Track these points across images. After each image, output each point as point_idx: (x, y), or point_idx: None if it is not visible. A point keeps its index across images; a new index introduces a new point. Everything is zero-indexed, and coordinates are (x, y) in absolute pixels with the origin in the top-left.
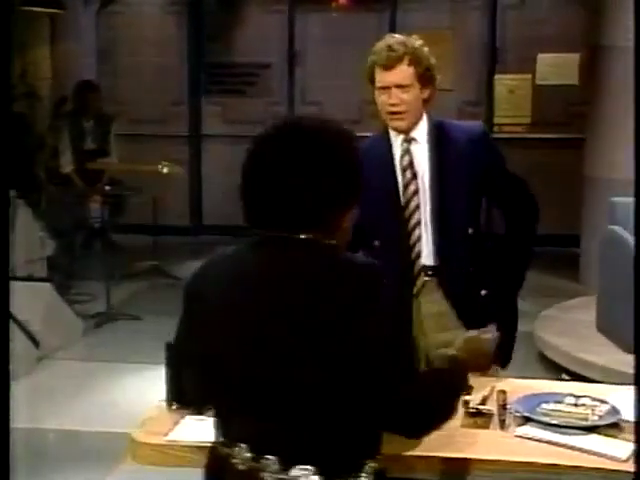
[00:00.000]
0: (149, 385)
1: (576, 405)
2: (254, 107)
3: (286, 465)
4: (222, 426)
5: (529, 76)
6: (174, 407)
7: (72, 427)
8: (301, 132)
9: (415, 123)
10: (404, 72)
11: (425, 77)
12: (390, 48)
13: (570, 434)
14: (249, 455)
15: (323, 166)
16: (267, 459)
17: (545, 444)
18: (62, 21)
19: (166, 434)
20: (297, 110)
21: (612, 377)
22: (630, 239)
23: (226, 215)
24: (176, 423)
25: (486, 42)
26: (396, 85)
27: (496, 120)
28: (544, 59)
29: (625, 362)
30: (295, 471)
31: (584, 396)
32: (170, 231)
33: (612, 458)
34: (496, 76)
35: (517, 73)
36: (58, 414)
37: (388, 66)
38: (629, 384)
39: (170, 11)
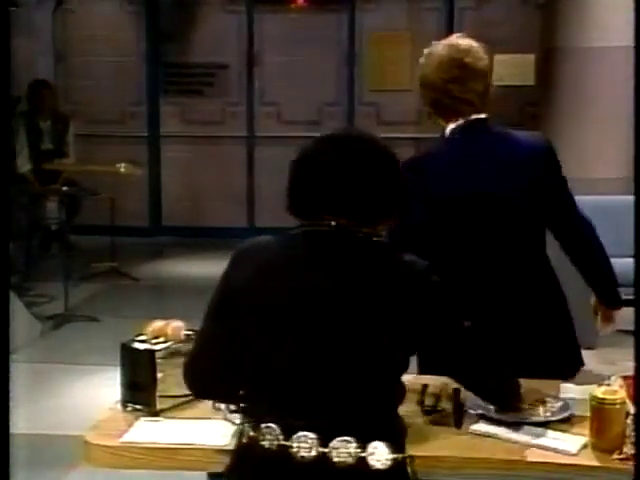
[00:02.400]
0: (106, 387)
1: (529, 402)
2: (212, 107)
3: (324, 439)
4: (251, 409)
5: None
6: (129, 408)
7: (27, 431)
8: (361, 136)
9: None
10: None
11: None
12: None
13: (523, 430)
14: (280, 435)
15: (385, 168)
16: (302, 436)
17: (499, 440)
18: (16, 19)
19: (120, 436)
20: (255, 111)
21: None
22: None
23: (185, 216)
24: (130, 425)
25: None
26: None
27: None
28: (500, 60)
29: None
30: (335, 443)
31: (537, 392)
32: (128, 232)
33: (564, 452)
34: None
35: None
36: (12, 417)
37: None
38: (587, 380)
39: (128, 10)
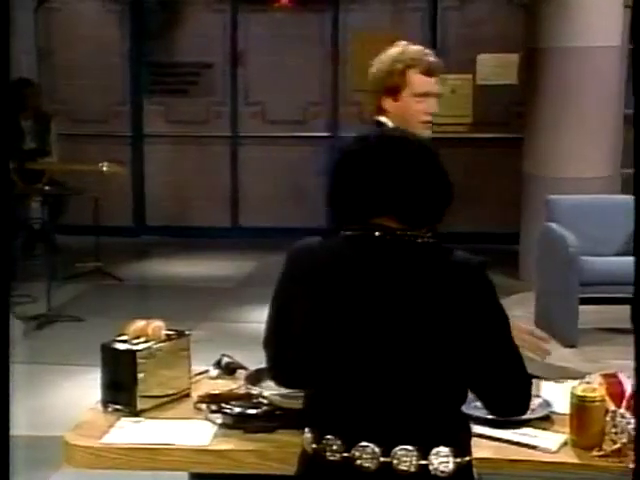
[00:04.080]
0: (90, 387)
1: None
2: (196, 107)
3: (386, 448)
4: (312, 417)
5: (470, 76)
6: (110, 409)
7: (10, 432)
8: (406, 136)
9: None
10: (437, 82)
11: None
12: (426, 54)
13: (504, 428)
14: (342, 446)
15: (432, 169)
16: (364, 446)
17: (481, 439)
18: None
19: (101, 437)
20: (240, 110)
21: (551, 372)
22: (566, 235)
23: (169, 216)
24: (111, 425)
25: (427, 43)
26: (436, 94)
27: (438, 120)
28: (484, 59)
29: (563, 357)
30: (397, 451)
31: None
32: (112, 232)
33: (543, 450)
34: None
35: (458, 73)
36: None
37: (430, 73)
38: (569, 378)
39: (111, 9)
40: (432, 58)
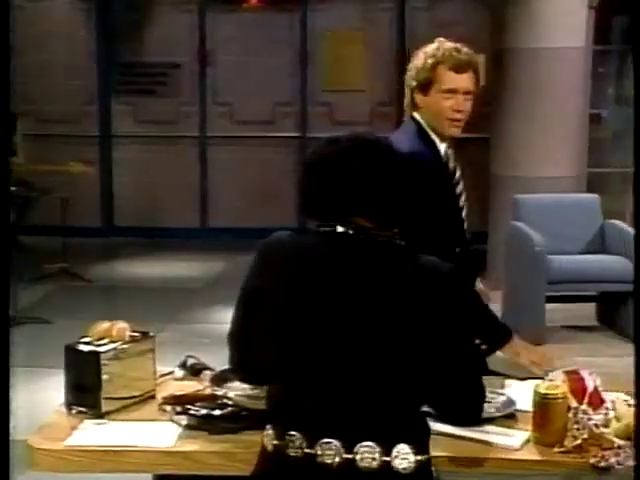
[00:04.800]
0: (57, 390)
1: None
2: (165, 107)
3: (350, 445)
4: (274, 414)
5: None
6: (74, 411)
7: None
8: (377, 139)
9: None
10: (471, 79)
11: (478, 86)
12: (458, 51)
13: (468, 426)
14: (304, 443)
15: (402, 171)
16: (327, 442)
17: (444, 437)
18: None
19: (64, 439)
20: (208, 111)
21: (518, 371)
22: (532, 234)
23: (138, 216)
24: (75, 428)
25: (396, 43)
26: (465, 91)
27: None
28: None
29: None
30: (359, 448)
31: None
32: (80, 232)
33: (507, 447)
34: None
35: None
36: None
37: (460, 69)
38: (534, 378)
39: (78, 8)
40: (464, 55)
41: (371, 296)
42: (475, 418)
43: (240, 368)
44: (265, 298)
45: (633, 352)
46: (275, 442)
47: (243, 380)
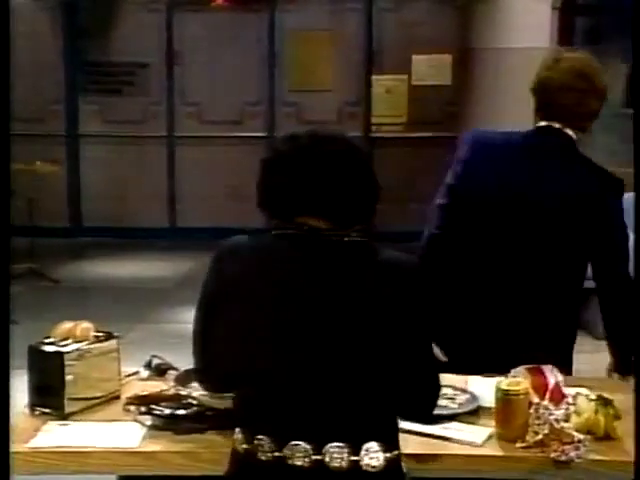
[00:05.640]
0: (21, 391)
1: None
2: (132, 107)
3: (319, 446)
4: (242, 417)
5: (405, 77)
6: (37, 412)
7: None
8: (336, 135)
9: None
10: None
11: None
12: None
13: (433, 423)
14: (273, 446)
15: (361, 168)
16: (295, 445)
17: (408, 434)
18: None
19: (27, 441)
20: (176, 111)
21: None
22: None
23: (106, 216)
24: (38, 429)
25: (363, 43)
26: None
27: (374, 120)
28: (419, 60)
29: None
30: (329, 448)
31: (446, 386)
32: (48, 232)
33: (470, 444)
34: (373, 77)
35: (394, 74)
36: None
37: None
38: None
39: (44, 7)
40: None
41: (329, 296)
42: (430, 414)
43: (205, 377)
44: (225, 304)
45: (634, 353)
46: (245, 446)
47: (208, 388)
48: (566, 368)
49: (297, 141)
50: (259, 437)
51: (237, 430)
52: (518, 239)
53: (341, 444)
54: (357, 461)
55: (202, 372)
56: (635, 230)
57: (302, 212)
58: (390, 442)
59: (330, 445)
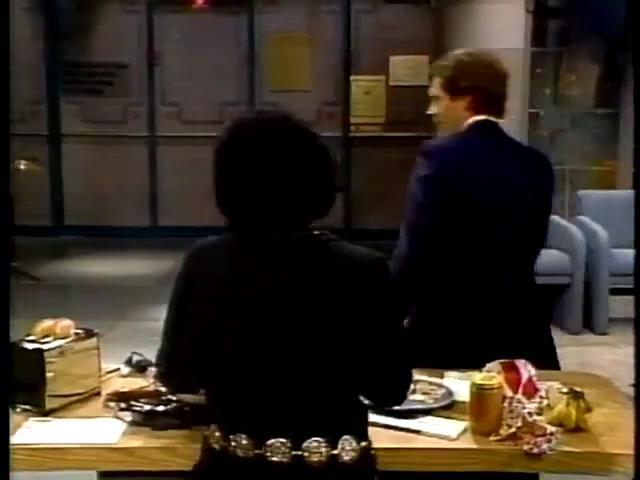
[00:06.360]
0: None
1: (414, 390)
2: (112, 107)
3: (297, 442)
4: (216, 414)
5: (383, 77)
6: (18, 409)
7: None
8: (287, 123)
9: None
10: (432, 84)
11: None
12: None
13: (408, 418)
14: (252, 443)
15: (319, 158)
16: (274, 442)
17: (382, 428)
18: None
19: None
20: (156, 111)
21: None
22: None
23: (87, 215)
24: (19, 426)
25: (341, 45)
26: (432, 95)
27: (352, 120)
28: (396, 61)
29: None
30: (308, 444)
31: (421, 380)
32: (29, 231)
33: (445, 437)
34: (352, 77)
35: (372, 74)
36: None
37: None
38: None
39: (24, 7)
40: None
41: (296, 293)
42: (401, 400)
43: (167, 377)
44: (194, 304)
45: (633, 352)
46: (222, 443)
47: (169, 388)
48: (553, 360)
49: (241, 128)
50: (236, 435)
51: (212, 427)
52: (513, 237)
53: (320, 439)
54: (335, 455)
55: (166, 372)
56: (635, 230)
57: (256, 209)
58: (362, 434)
59: (309, 440)
